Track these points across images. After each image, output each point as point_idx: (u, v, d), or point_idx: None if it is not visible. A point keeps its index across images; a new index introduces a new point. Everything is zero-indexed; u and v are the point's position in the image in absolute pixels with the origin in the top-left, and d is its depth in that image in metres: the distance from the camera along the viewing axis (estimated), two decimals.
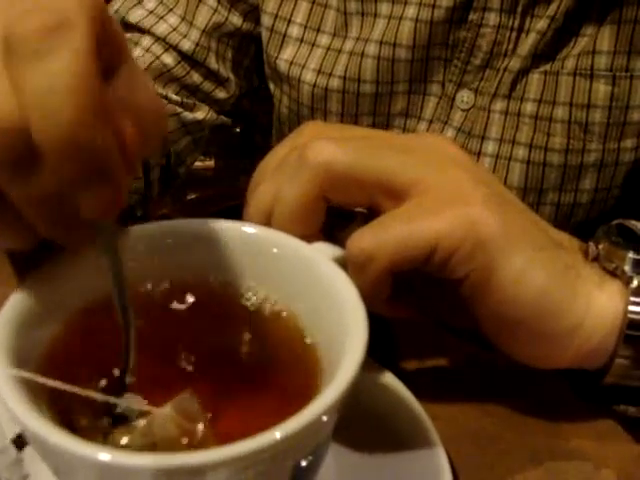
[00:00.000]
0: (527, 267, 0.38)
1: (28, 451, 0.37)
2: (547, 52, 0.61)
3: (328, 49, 0.67)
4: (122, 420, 0.31)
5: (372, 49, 0.64)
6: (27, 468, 0.37)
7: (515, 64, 0.61)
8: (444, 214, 0.38)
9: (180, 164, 0.79)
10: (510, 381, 0.46)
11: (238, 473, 0.27)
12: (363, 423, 0.39)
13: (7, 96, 0.27)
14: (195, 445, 0.30)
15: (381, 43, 0.64)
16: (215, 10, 0.73)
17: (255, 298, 0.37)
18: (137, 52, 0.73)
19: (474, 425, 0.43)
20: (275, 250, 0.37)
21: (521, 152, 0.63)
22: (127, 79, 0.30)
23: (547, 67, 0.61)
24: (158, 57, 0.73)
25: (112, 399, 0.31)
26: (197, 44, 0.73)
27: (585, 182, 0.63)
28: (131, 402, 0.31)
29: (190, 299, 0.37)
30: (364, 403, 0.39)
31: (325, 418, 0.29)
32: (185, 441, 0.30)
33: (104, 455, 0.26)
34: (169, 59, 0.73)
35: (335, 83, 0.66)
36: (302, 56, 0.68)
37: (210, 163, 2.39)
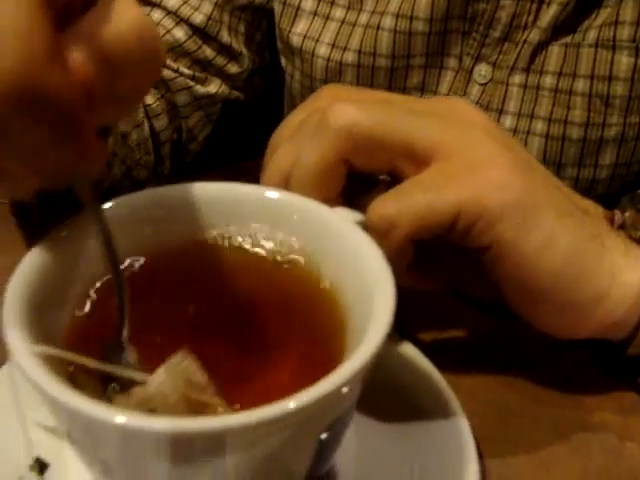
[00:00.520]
0: (553, 234, 0.37)
1: (50, 473, 0.36)
2: (568, 24, 0.60)
3: (342, 22, 0.66)
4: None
5: (388, 22, 0.63)
6: None
7: (535, 36, 0.60)
8: (467, 180, 0.37)
9: (192, 140, 0.78)
10: (533, 354, 0.46)
11: (258, 441, 0.27)
12: (385, 395, 0.38)
13: None
14: (198, 410, 0.29)
15: (398, 16, 0.63)
16: None
17: (280, 260, 0.37)
18: None
19: (497, 398, 0.42)
20: (296, 215, 0.36)
21: (540, 126, 0.62)
22: (101, 14, 0.27)
23: (568, 39, 0.60)
24: (169, 31, 0.71)
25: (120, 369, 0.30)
26: (209, 17, 0.71)
27: (605, 157, 0.62)
28: (134, 372, 0.30)
29: (210, 262, 0.36)
30: (386, 374, 0.38)
31: (349, 387, 0.28)
32: (185, 406, 0.29)
33: (120, 418, 0.25)
34: (180, 33, 0.72)
35: (350, 57, 0.65)
36: (316, 30, 0.67)
37: None
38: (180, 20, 0.72)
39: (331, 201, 0.38)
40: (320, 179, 0.38)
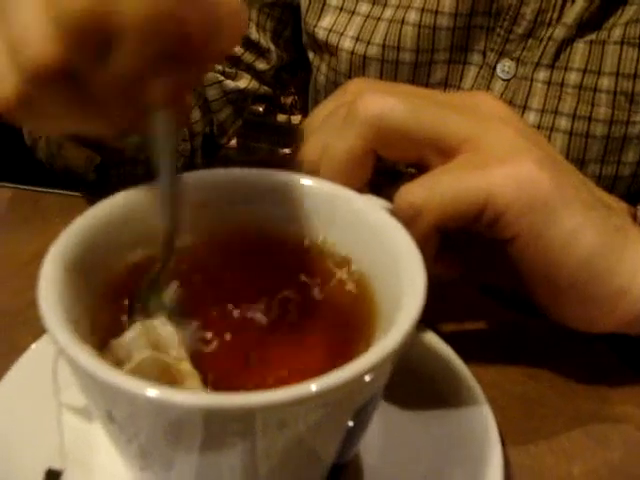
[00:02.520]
0: (578, 228, 0.37)
1: None
2: (593, 21, 0.60)
3: (367, 17, 0.66)
4: None
5: (413, 16, 0.64)
6: None
7: (560, 33, 0.60)
8: (496, 170, 0.37)
9: (222, 134, 0.79)
10: (555, 346, 0.46)
11: (285, 422, 0.27)
12: (409, 383, 0.38)
13: None
14: (164, 371, 0.30)
15: (422, 10, 0.63)
16: None
17: (311, 245, 0.37)
18: None
19: (519, 389, 0.43)
20: (326, 202, 0.37)
21: (563, 122, 0.62)
22: None
23: (593, 36, 0.60)
24: None
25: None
26: None
27: (628, 154, 0.62)
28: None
29: (244, 246, 0.37)
30: (410, 363, 0.39)
31: (376, 373, 0.28)
32: (151, 364, 0.30)
33: (152, 391, 0.26)
34: None
35: (374, 51, 0.66)
36: (341, 24, 0.68)
37: (232, 142, 2.39)
38: None
39: (358, 191, 0.38)
40: (349, 168, 0.39)
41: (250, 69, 0.77)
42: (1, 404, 0.37)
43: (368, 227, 0.35)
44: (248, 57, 0.76)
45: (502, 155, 0.38)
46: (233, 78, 0.76)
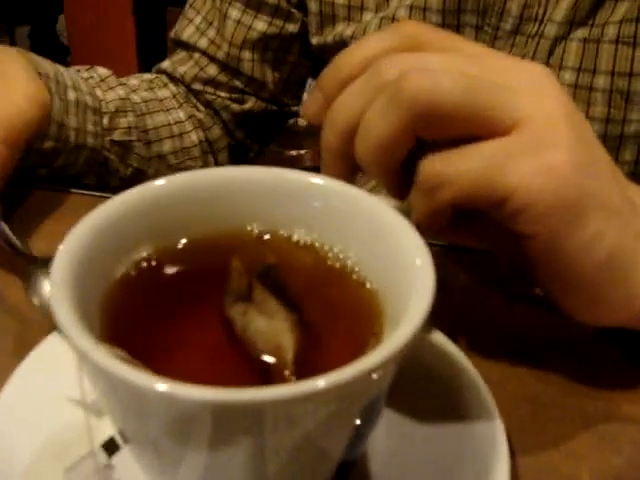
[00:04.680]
0: (598, 235, 0.37)
1: (119, 457, 0.36)
2: (585, 18, 0.59)
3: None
4: None
5: (402, 13, 0.64)
6: (118, 475, 0.36)
7: (550, 30, 0.60)
8: (530, 164, 0.35)
9: (248, 150, 0.86)
10: (564, 347, 0.46)
11: (292, 419, 0.27)
12: (416, 382, 0.38)
13: None
14: None
15: (411, 8, 0.64)
16: (239, 21, 0.76)
17: (317, 246, 0.37)
18: (189, 65, 0.79)
19: (527, 390, 0.43)
20: (335, 201, 0.36)
21: None
22: None
23: (586, 34, 0.59)
24: (202, 68, 0.79)
25: None
26: (228, 54, 0.78)
27: (625, 153, 0.62)
28: None
29: (250, 248, 0.37)
30: (417, 362, 0.39)
31: (382, 370, 0.28)
32: None
33: (162, 385, 0.26)
34: (212, 69, 0.79)
35: None
36: (349, 32, 0.69)
37: None
38: (211, 58, 0.79)
39: (394, 171, 0.38)
40: (388, 149, 0.37)
41: (255, 94, 0.81)
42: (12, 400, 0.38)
43: (376, 226, 0.35)
44: (250, 88, 0.80)
45: (544, 146, 0.36)
46: (240, 103, 0.81)
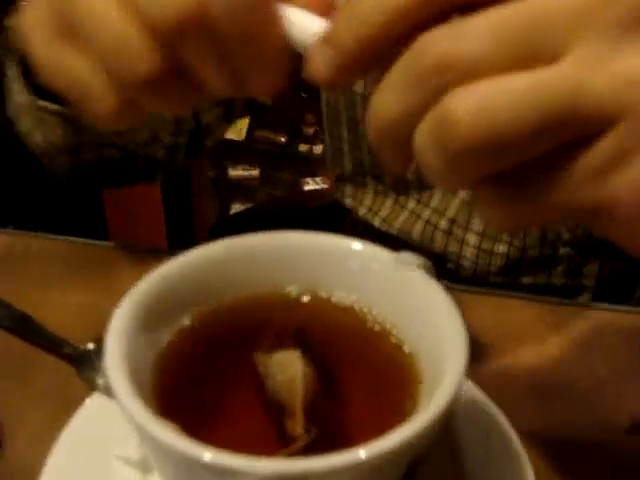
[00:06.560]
0: None
1: None
2: None
3: None
4: None
5: None
6: None
7: None
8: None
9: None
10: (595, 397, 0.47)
11: None
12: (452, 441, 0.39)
13: None
14: None
15: None
16: None
17: (356, 308, 0.38)
18: None
19: (554, 434, 0.43)
20: (373, 264, 0.38)
21: None
22: None
23: None
24: None
25: None
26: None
27: None
28: None
29: (285, 311, 0.38)
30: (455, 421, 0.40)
31: (423, 437, 0.29)
32: None
33: (207, 455, 0.27)
34: None
35: None
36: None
37: (255, 172, 2.42)
38: None
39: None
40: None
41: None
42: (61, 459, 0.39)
43: (407, 290, 0.36)
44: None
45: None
46: None
